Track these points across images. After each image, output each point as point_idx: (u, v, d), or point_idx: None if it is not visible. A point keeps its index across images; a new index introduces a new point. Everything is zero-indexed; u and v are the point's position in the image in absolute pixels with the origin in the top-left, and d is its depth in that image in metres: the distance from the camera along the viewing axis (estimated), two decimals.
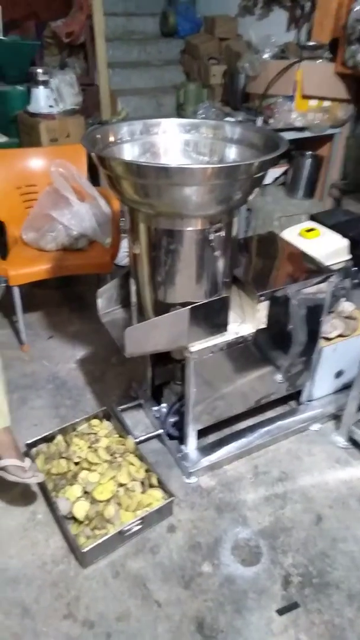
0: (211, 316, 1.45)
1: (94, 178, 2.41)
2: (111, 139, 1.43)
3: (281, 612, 1.30)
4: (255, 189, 1.32)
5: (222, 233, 1.33)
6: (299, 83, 2.73)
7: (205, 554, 1.43)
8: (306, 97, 2.78)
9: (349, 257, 1.86)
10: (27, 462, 1.44)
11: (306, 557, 1.43)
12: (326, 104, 2.85)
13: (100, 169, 1.29)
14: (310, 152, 3.06)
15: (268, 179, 3.22)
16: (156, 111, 3.90)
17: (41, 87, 2.74)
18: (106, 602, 1.31)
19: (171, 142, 1.52)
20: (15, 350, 2.22)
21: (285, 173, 3.25)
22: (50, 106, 2.79)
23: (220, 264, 1.41)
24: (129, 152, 1.46)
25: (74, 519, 1.44)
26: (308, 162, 3.02)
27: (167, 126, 1.51)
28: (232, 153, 1.47)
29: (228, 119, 2.88)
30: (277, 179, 3.29)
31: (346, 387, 1.90)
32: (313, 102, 2.82)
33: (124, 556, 1.41)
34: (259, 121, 2.83)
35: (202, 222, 1.29)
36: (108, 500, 1.47)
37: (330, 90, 2.79)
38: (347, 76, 2.73)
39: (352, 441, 1.78)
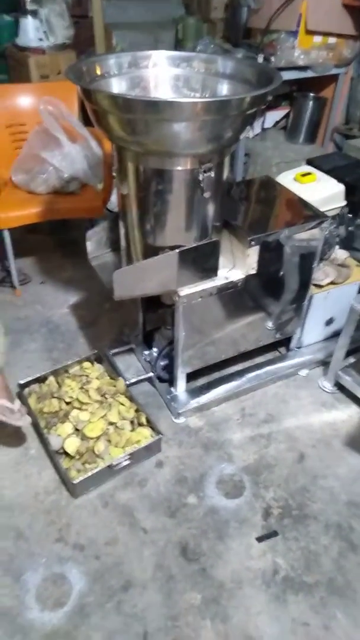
0: (201, 260, 1.45)
1: (86, 118, 2.32)
2: (98, 72, 1.37)
3: (260, 539, 1.38)
4: (247, 127, 1.28)
5: (212, 174, 1.30)
6: (303, 16, 2.57)
7: (191, 487, 1.50)
8: (310, 32, 2.62)
9: (344, 203, 1.83)
10: (16, 404, 1.49)
11: (287, 491, 1.50)
12: (331, 40, 2.69)
13: (87, 103, 1.24)
14: (312, 94, 2.93)
15: (268, 123, 3.11)
16: (154, 48, 3.69)
17: (29, 18, 2.58)
18: (96, 528, 1.39)
19: (161, 76, 1.46)
20: (7, 294, 2.23)
21: (286, 116, 3.13)
22: (40, 39, 2.64)
23: (210, 206, 1.39)
24: (117, 87, 1.41)
25: (65, 454, 1.51)
26: (310, 105, 2.90)
27: (157, 59, 1.45)
28: (224, 89, 1.41)
29: None
30: (277, 122, 3.17)
31: (336, 334, 1.92)
32: (317, 39, 2.67)
33: (113, 488, 1.48)
34: (260, 59, 2.69)
35: (191, 162, 1.26)
36: (98, 437, 1.52)
37: (337, 25, 2.63)
38: (356, 9, 2.57)
39: (339, 386, 1.83)
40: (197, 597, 1.26)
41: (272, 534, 1.40)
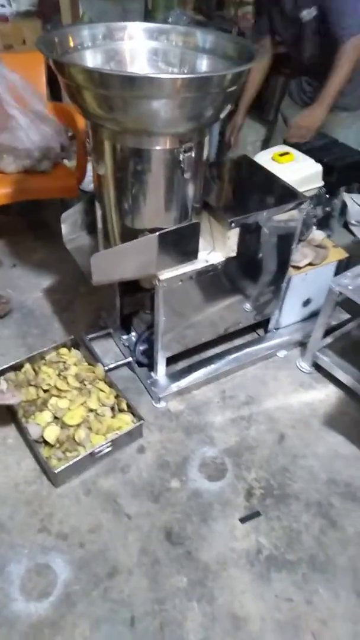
0: (181, 243, 1.42)
1: (53, 92, 2.22)
2: (71, 44, 1.30)
3: (243, 520, 1.40)
4: (228, 105, 1.24)
5: (192, 154, 1.26)
6: None
7: (174, 471, 1.50)
8: None
9: (321, 183, 1.82)
10: (3, 384, 1.47)
11: (268, 472, 1.52)
12: None
13: (60, 78, 1.18)
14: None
15: None
16: (122, 19, 3.53)
17: None
18: (79, 516, 1.37)
19: (138, 50, 1.39)
20: None
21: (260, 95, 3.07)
22: (2, 6, 2.49)
23: (190, 187, 1.36)
24: (91, 60, 1.33)
25: (45, 442, 1.47)
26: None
27: (133, 31, 1.38)
28: (203, 64, 1.36)
29: None
30: None
31: (313, 315, 1.94)
32: None
33: (95, 476, 1.47)
34: (234, 32, 2.62)
35: (171, 141, 1.22)
36: (78, 425, 1.50)
37: None
38: None
39: (316, 366, 1.85)
40: (183, 580, 1.27)
41: (254, 515, 1.42)
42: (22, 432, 1.52)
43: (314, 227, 1.86)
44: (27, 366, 1.68)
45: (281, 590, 1.27)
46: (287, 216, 1.57)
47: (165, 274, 1.44)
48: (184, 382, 1.73)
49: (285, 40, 2.02)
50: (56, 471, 1.38)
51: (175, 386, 1.72)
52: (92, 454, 1.44)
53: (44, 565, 1.28)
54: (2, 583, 1.24)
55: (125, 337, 1.86)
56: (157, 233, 1.33)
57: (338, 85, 1.82)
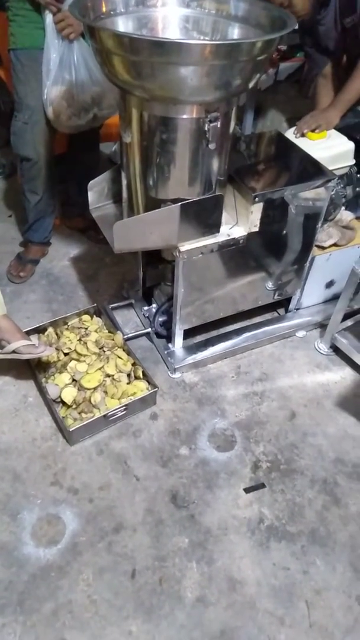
0: (203, 215, 1.42)
1: None
2: (103, 9, 1.30)
3: (248, 490, 1.43)
4: (257, 75, 1.22)
5: (218, 124, 1.26)
6: None
7: (184, 439, 1.54)
8: None
9: (353, 162, 1.78)
10: (34, 339, 1.55)
11: (276, 447, 1.55)
12: None
13: (91, 43, 1.19)
14: None
15: (281, 75, 2.97)
16: None
17: None
18: (90, 474, 1.44)
19: (170, 17, 1.38)
20: (9, 244, 2.21)
21: (300, 69, 2.99)
22: None
23: (215, 159, 1.36)
24: (123, 26, 1.34)
25: (63, 403, 1.54)
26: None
27: None
28: (235, 33, 1.34)
29: None
30: (291, 75, 3.03)
31: (336, 297, 1.91)
32: None
33: (108, 437, 1.53)
34: None
35: (197, 110, 1.22)
36: (95, 388, 1.55)
37: None
38: None
39: (334, 348, 1.84)
40: (184, 540, 1.32)
41: (259, 486, 1.45)
42: (42, 391, 1.59)
43: (343, 208, 1.83)
44: (50, 330, 1.74)
45: (279, 559, 1.30)
46: (314, 194, 1.55)
47: (186, 246, 1.46)
48: (200, 355, 1.76)
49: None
50: (71, 429, 1.44)
51: (192, 358, 1.75)
52: (106, 417, 1.50)
53: (55, 515, 1.35)
54: (15, 528, 1.32)
55: (146, 308, 1.90)
56: (180, 203, 1.35)
57: (355, 93, 1.78)
